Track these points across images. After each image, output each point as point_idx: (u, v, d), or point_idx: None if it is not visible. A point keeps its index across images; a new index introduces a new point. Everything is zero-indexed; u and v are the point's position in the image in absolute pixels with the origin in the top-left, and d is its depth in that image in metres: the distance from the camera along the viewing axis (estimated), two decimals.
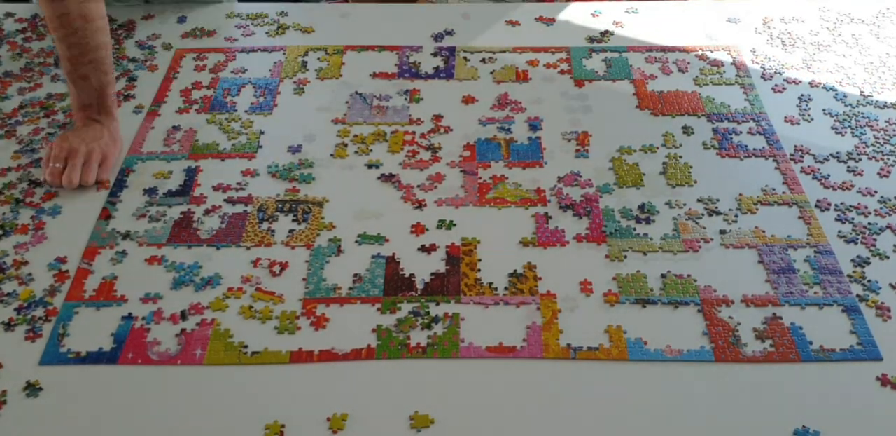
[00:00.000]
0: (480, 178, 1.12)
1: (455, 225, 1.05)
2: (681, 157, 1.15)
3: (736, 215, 1.06)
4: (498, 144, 1.18)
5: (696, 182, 1.11)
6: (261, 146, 1.17)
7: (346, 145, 1.17)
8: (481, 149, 1.17)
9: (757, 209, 1.07)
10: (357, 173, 1.13)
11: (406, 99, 1.25)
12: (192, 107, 1.24)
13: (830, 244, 1.02)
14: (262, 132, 1.20)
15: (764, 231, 1.04)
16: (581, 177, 1.11)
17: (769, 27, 1.39)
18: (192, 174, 1.13)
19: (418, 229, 1.05)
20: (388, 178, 1.12)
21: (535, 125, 1.20)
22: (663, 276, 0.99)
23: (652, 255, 1.01)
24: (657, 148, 1.16)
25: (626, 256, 1.01)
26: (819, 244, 1.03)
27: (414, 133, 1.19)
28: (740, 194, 1.09)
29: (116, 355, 0.91)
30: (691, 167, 1.13)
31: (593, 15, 1.42)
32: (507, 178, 1.12)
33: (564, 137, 1.16)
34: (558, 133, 1.19)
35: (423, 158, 1.15)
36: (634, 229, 1.04)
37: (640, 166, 1.13)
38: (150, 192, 1.10)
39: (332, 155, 1.16)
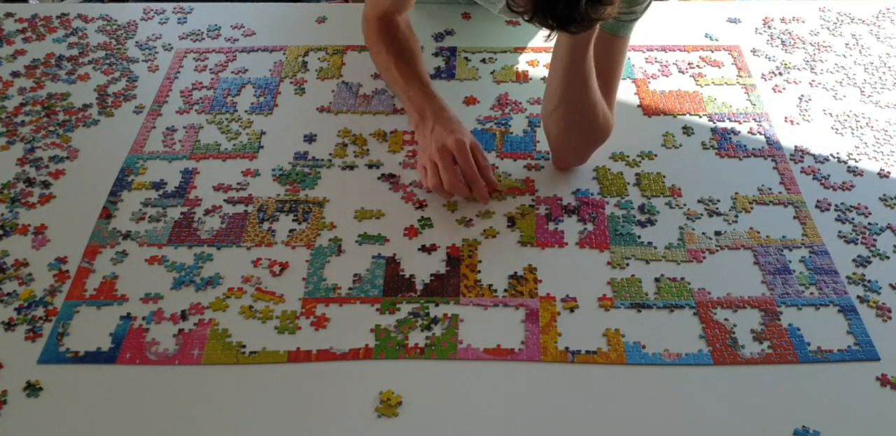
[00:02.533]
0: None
1: (431, 225, 1.06)
2: (680, 157, 1.15)
3: (736, 216, 1.06)
4: (493, 134, 1.18)
5: (695, 183, 1.11)
6: (262, 146, 1.17)
7: (346, 145, 1.17)
8: (476, 138, 1.17)
9: (752, 208, 1.07)
10: (357, 173, 1.13)
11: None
12: (192, 107, 1.24)
13: (825, 244, 1.03)
14: (262, 132, 1.20)
15: (759, 232, 1.04)
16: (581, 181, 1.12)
17: (769, 27, 1.39)
18: (188, 176, 1.13)
19: (415, 231, 1.05)
20: (389, 178, 1.12)
21: (534, 122, 1.20)
22: (657, 280, 0.99)
23: (655, 264, 1.01)
24: (655, 154, 1.15)
25: (628, 264, 1.01)
26: (814, 244, 1.03)
27: (413, 133, 1.19)
28: (736, 193, 1.09)
29: (115, 354, 0.91)
30: (690, 168, 1.13)
31: None
32: (496, 167, 1.13)
33: None
34: None
35: None
36: (639, 237, 1.04)
37: (640, 168, 1.13)
38: (150, 192, 1.10)
39: (332, 155, 1.16)
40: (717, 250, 1.02)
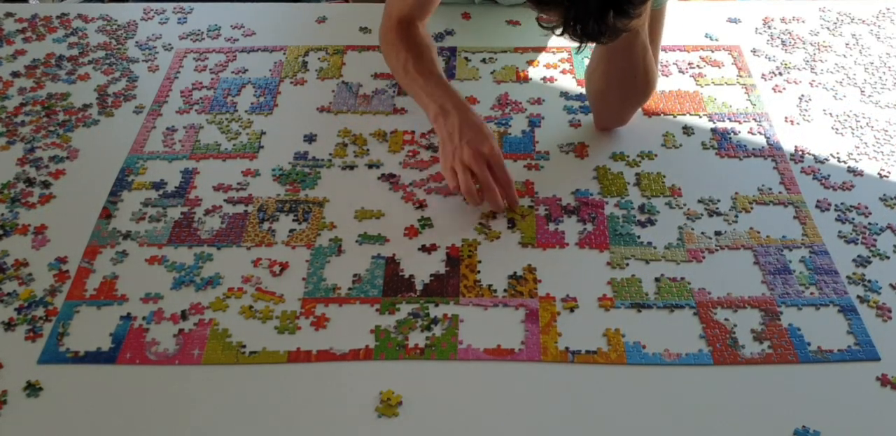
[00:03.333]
0: None
1: (431, 225, 1.06)
2: (680, 157, 1.15)
3: (736, 216, 1.06)
4: None
5: (695, 183, 1.11)
6: (262, 146, 1.17)
7: (346, 145, 1.17)
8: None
9: (752, 208, 1.07)
10: (357, 173, 1.13)
11: (395, 91, 1.26)
12: (192, 107, 1.24)
13: (825, 244, 1.02)
14: (262, 132, 1.20)
15: (759, 232, 1.04)
16: (580, 181, 1.12)
17: (769, 27, 1.39)
18: (188, 176, 1.13)
19: (416, 231, 1.05)
20: (389, 178, 1.12)
21: (534, 122, 1.20)
22: (657, 280, 0.99)
23: (654, 264, 1.01)
24: (655, 154, 1.15)
25: (628, 264, 1.01)
26: (814, 244, 1.03)
27: (413, 133, 1.19)
28: (736, 193, 1.09)
29: (115, 354, 0.91)
30: (690, 168, 1.13)
31: None
32: None
33: (562, 149, 1.16)
34: (557, 135, 1.19)
35: (423, 159, 1.15)
36: (638, 237, 1.04)
37: (640, 168, 1.13)
38: (150, 192, 1.10)
39: (332, 155, 1.16)
40: (717, 250, 1.02)
